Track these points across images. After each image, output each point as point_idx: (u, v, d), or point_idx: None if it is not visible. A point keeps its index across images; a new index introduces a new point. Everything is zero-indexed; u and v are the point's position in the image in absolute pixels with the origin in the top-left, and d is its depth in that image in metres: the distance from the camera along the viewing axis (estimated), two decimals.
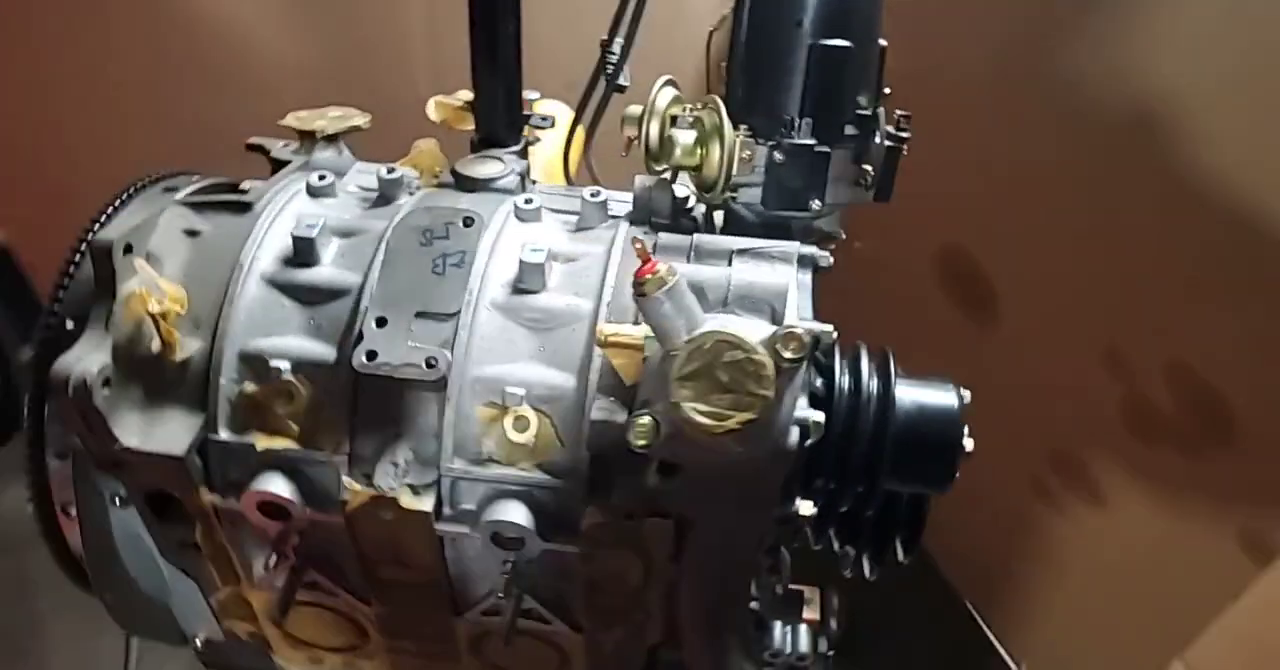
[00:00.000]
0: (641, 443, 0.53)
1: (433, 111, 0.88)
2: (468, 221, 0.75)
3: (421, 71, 1.78)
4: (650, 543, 0.71)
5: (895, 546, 0.79)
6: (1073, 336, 1.51)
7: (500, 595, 0.78)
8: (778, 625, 0.83)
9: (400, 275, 0.72)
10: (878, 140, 0.77)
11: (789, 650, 0.79)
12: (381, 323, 0.70)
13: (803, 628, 0.83)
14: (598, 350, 0.70)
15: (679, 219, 0.80)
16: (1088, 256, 1.45)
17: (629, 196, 0.82)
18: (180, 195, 0.81)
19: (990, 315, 1.66)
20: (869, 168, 0.78)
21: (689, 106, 0.80)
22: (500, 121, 0.86)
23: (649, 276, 0.53)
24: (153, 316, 0.69)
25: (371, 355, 0.69)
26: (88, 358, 0.67)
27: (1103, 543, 1.65)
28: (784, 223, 0.79)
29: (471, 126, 0.88)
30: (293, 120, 0.91)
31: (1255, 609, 1.42)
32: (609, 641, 0.82)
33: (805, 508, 0.67)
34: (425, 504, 0.70)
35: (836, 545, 0.82)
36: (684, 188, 0.83)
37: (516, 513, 0.70)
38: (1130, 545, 1.59)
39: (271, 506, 0.72)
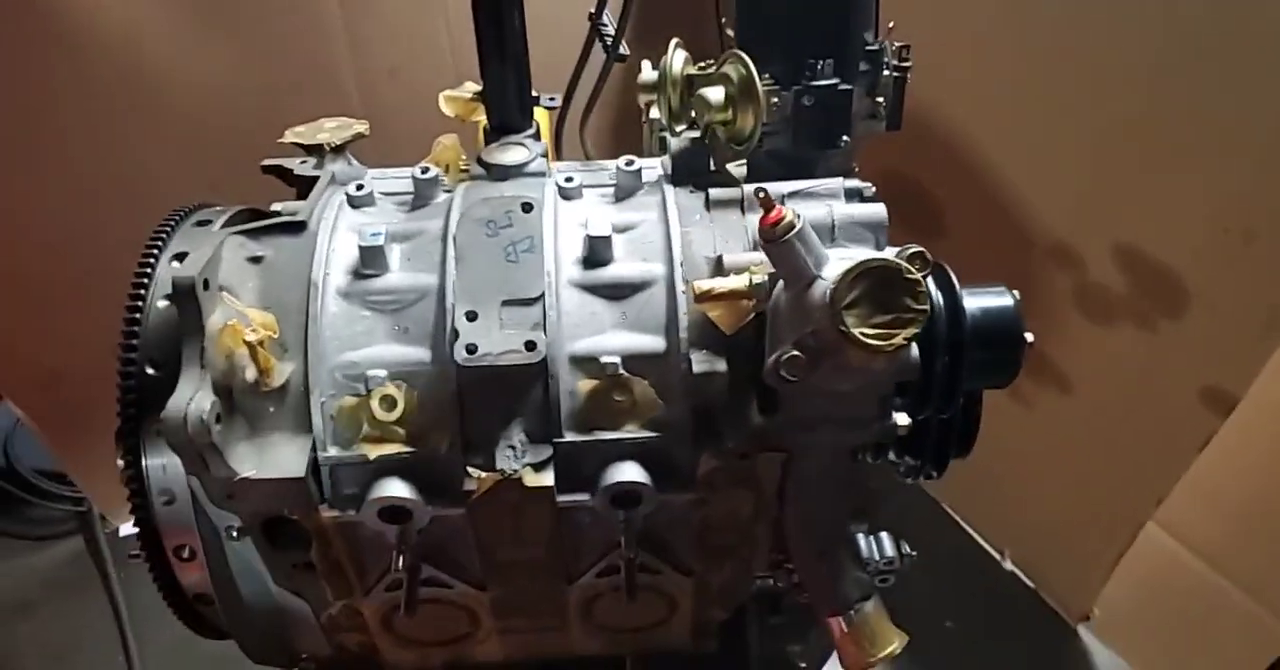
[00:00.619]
0: (795, 376, 0.57)
1: (445, 106, 0.89)
2: (526, 207, 0.77)
3: (350, 83, 1.76)
4: (762, 477, 0.75)
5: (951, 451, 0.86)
6: (1020, 238, 1.60)
7: (616, 555, 0.81)
8: (860, 536, 0.88)
9: (477, 268, 0.74)
10: (885, 73, 0.82)
11: (879, 557, 0.84)
12: (472, 316, 0.72)
13: (883, 535, 0.89)
14: (682, 308, 0.74)
15: (712, 175, 0.83)
16: (1023, 159, 1.55)
17: (652, 162, 0.86)
18: (217, 224, 0.81)
19: (938, 229, 1.75)
20: (881, 100, 0.83)
21: (699, 66, 0.84)
22: (513, 108, 0.88)
23: (779, 222, 0.57)
24: (249, 346, 0.69)
25: (471, 349, 0.71)
26: (197, 396, 0.68)
27: (1074, 427, 1.77)
28: (807, 163, 0.84)
29: (482, 117, 0.90)
30: (293, 136, 0.91)
31: (1218, 458, 1.56)
32: (717, 580, 0.86)
33: (902, 419, 0.73)
34: (547, 480, 0.73)
35: (895, 455, 0.88)
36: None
37: (632, 472, 0.74)
38: (1098, 424, 1.71)
39: (392, 511, 0.74)
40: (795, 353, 0.56)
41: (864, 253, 0.59)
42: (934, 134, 1.65)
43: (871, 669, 0.81)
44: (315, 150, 0.89)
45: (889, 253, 0.58)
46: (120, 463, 0.74)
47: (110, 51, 1.58)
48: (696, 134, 0.83)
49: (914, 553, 0.87)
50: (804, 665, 0.97)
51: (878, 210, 0.67)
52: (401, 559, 0.76)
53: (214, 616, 0.83)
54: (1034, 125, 1.50)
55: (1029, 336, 0.75)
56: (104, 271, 1.78)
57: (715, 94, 0.79)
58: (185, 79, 1.63)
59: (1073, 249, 1.55)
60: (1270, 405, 1.47)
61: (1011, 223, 1.62)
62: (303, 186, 0.85)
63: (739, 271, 0.69)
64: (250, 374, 0.71)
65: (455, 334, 0.71)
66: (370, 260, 0.75)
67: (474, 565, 0.83)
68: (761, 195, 0.59)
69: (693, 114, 0.84)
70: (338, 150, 0.90)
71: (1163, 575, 1.85)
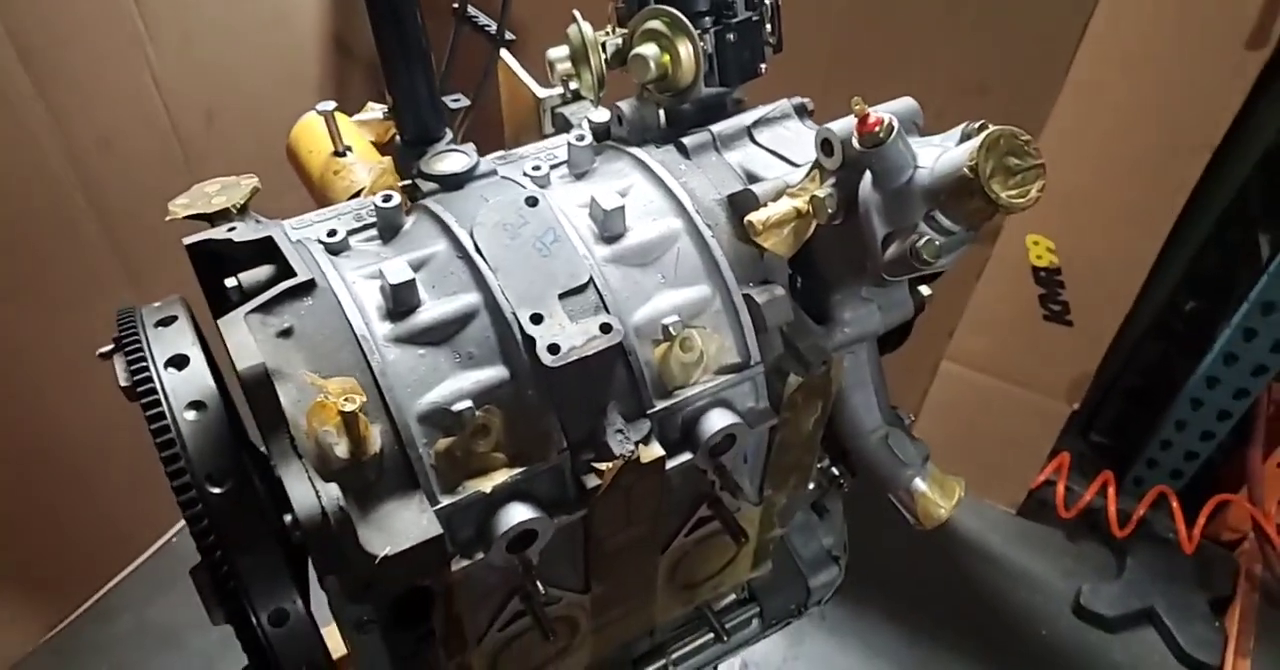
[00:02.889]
0: (933, 258, 0.63)
1: (362, 131, 0.83)
2: (531, 201, 0.75)
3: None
4: (834, 379, 0.80)
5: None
6: None
7: (707, 505, 0.84)
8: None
9: (518, 272, 0.72)
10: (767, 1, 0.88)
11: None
12: (537, 319, 0.70)
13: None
14: (716, 252, 0.76)
15: (660, 130, 0.85)
16: None
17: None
18: (183, 320, 0.71)
19: None
20: (769, 27, 0.89)
21: (605, 31, 0.85)
22: (429, 117, 0.84)
23: (880, 127, 0.62)
24: (346, 417, 0.63)
25: (554, 349, 0.69)
26: (320, 488, 0.61)
27: None
28: (720, 101, 0.88)
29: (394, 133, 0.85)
30: (184, 210, 0.80)
31: (986, 283, 1.82)
32: (782, 496, 0.91)
33: (926, 291, 0.81)
34: (658, 451, 0.73)
35: None
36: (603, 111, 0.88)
37: (724, 417, 0.76)
38: None
39: (521, 537, 0.71)
40: (928, 236, 0.62)
41: (935, 137, 0.65)
42: None
43: (941, 522, 0.90)
44: (220, 217, 0.80)
45: (954, 133, 0.65)
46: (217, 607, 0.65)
47: None
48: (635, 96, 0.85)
49: (913, 417, 0.97)
50: (837, 555, 1.05)
51: (911, 104, 0.73)
52: (538, 584, 0.74)
53: None
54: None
55: None
56: None
57: (651, 50, 0.81)
58: None
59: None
60: (1016, 224, 1.75)
61: None
62: (211, 263, 0.76)
63: (774, 199, 0.73)
64: (342, 450, 0.64)
65: (530, 340, 0.69)
66: (404, 297, 0.70)
67: (577, 569, 0.81)
68: (859, 107, 0.63)
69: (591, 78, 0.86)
70: (243, 211, 0.81)
71: (957, 398, 2.15)
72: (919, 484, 0.88)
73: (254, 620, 0.65)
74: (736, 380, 0.77)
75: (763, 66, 0.86)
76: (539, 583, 0.74)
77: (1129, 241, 1.80)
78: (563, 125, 0.94)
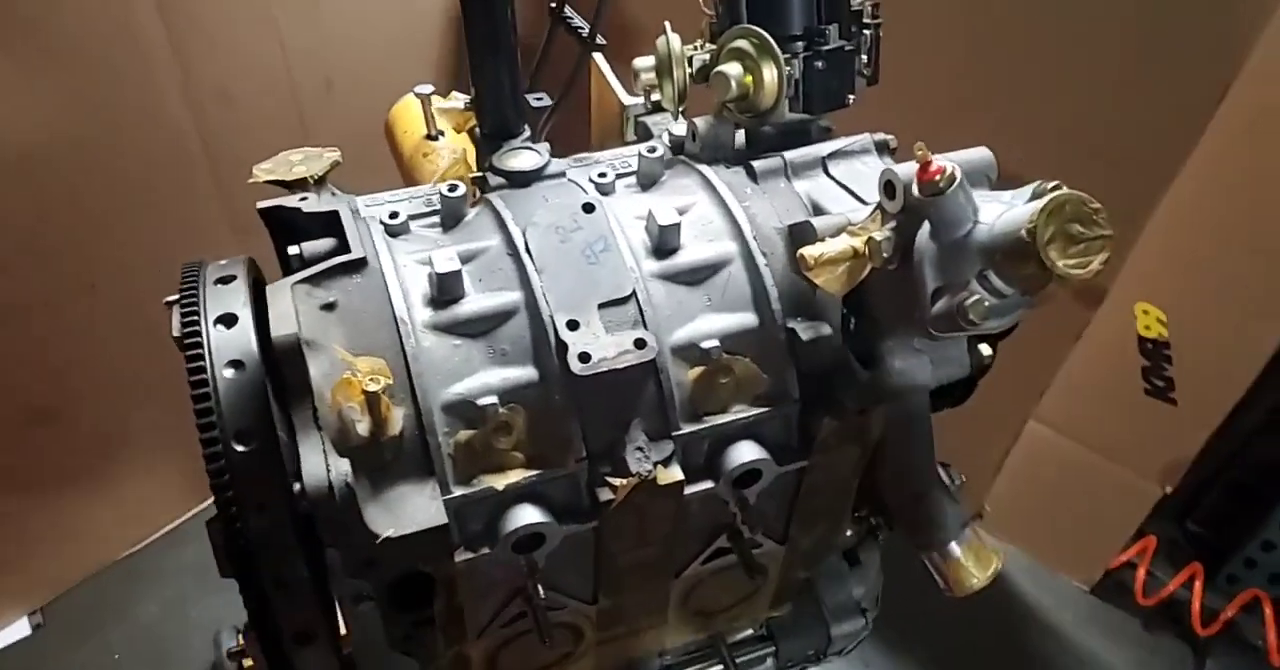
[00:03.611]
0: (980, 318, 0.60)
1: (444, 119, 0.85)
2: (588, 208, 0.75)
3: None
4: (871, 430, 0.78)
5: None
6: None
7: (722, 539, 0.82)
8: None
9: (562, 276, 0.72)
10: (866, 31, 0.86)
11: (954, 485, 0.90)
12: (573, 325, 0.70)
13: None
14: (768, 281, 0.75)
15: (734, 150, 0.85)
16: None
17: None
18: (241, 279, 0.74)
19: None
20: (864, 57, 0.87)
21: (694, 45, 0.85)
22: (509, 111, 0.85)
23: (940, 176, 0.60)
24: (368, 396, 0.64)
25: (585, 357, 0.69)
26: (331, 462, 0.62)
27: None
28: (804, 128, 0.87)
29: (474, 124, 0.87)
30: (266, 175, 0.84)
31: (1086, 346, 1.75)
32: (809, 541, 0.89)
33: (987, 350, 0.78)
34: (677, 474, 0.72)
35: None
36: (683, 125, 0.88)
37: (751, 451, 0.75)
38: None
39: (527, 539, 0.71)
40: (977, 296, 0.59)
41: (1005, 194, 0.62)
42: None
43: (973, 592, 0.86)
44: (298, 185, 0.82)
45: (1025, 191, 0.62)
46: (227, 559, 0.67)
47: None
48: (713, 113, 0.84)
49: (964, 478, 0.93)
50: (866, 608, 1.01)
51: (986, 155, 0.71)
52: (539, 588, 0.73)
53: None
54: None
55: None
56: None
57: (734, 69, 0.80)
58: (8, 140, 1.44)
59: None
60: (1122, 291, 1.67)
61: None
62: (282, 229, 0.78)
63: (834, 235, 0.71)
64: (363, 428, 0.65)
65: (563, 346, 0.69)
66: (450, 287, 0.71)
67: (586, 580, 0.81)
68: (920, 153, 0.61)
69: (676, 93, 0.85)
70: (320, 182, 0.84)
71: (1041, 462, 2.06)
72: (954, 549, 0.84)
73: (258, 580, 0.67)
74: (769, 414, 0.75)
75: (851, 98, 0.84)
76: (540, 587, 0.73)
77: (1248, 322, 1.69)
78: (644, 134, 0.94)
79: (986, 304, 0.60)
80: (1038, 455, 2.04)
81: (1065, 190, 0.57)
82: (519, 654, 0.85)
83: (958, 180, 0.60)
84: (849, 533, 0.97)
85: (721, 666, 0.98)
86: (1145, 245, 1.55)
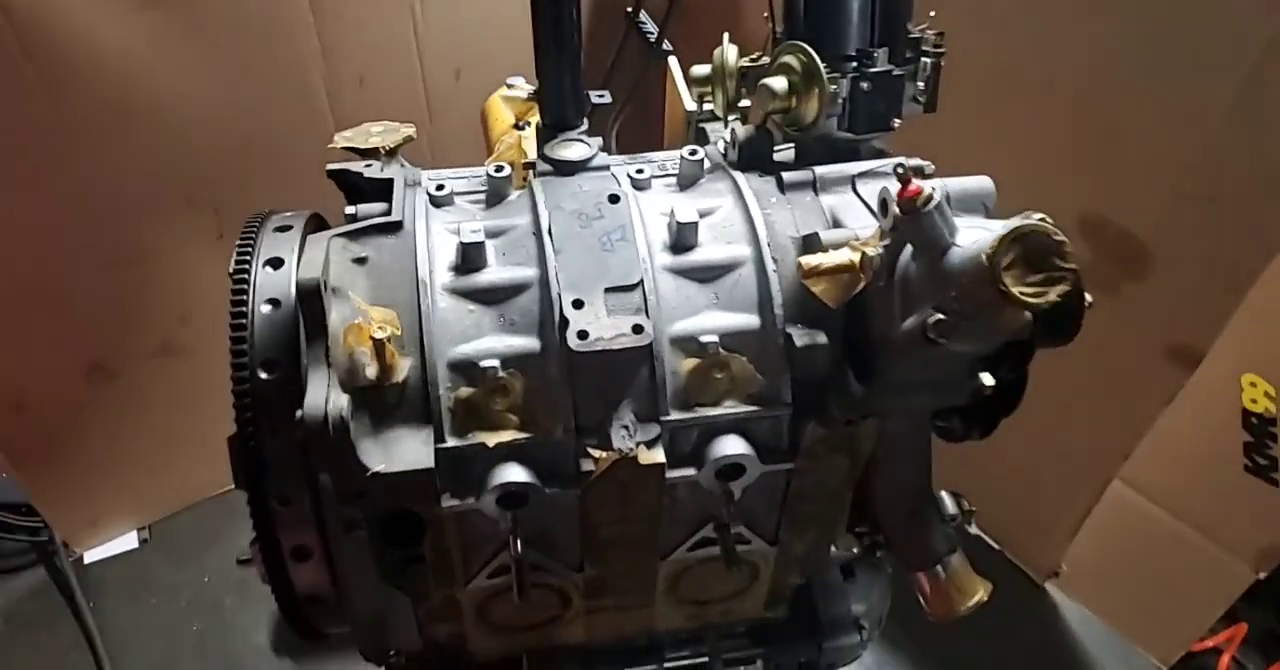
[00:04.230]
0: (943, 338, 0.62)
1: (503, 107, 0.92)
2: (613, 199, 0.80)
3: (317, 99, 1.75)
4: (862, 442, 0.80)
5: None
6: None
7: (708, 528, 0.85)
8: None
9: (576, 259, 0.77)
10: (924, 59, 0.88)
11: (950, 512, 0.90)
12: (578, 304, 0.75)
13: (943, 493, 0.95)
14: (774, 286, 0.78)
15: (772, 161, 0.88)
16: (987, 141, 1.63)
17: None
18: (297, 229, 0.82)
19: None
20: (921, 84, 0.88)
21: (749, 58, 0.89)
22: (568, 105, 0.91)
23: (919, 196, 0.62)
24: (375, 343, 0.71)
25: (583, 335, 0.74)
26: (332, 395, 0.69)
27: (1042, 390, 1.87)
28: (853, 146, 0.89)
29: (536, 116, 0.93)
30: (344, 141, 0.92)
31: (1183, 411, 1.67)
32: (801, 546, 0.91)
33: (988, 380, 0.78)
34: (659, 456, 0.76)
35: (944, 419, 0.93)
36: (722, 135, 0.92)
37: (737, 445, 0.78)
38: (1066, 386, 1.80)
39: (511, 496, 0.76)
40: (942, 316, 0.61)
41: (995, 222, 0.64)
42: None
43: (954, 617, 0.86)
44: (370, 154, 0.90)
45: (1014, 220, 0.63)
46: (237, 467, 0.75)
47: (86, 76, 1.55)
48: (754, 123, 0.87)
49: (974, 508, 0.93)
50: (864, 624, 1.02)
51: (986, 183, 0.72)
52: (518, 544, 0.78)
53: (318, 618, 0.84)
54: (994, 106, 1.59)
55: (1088, 297, 0.82)
56: (71, 299, 1.75)
57: (779, 83, 0.84)
58: (161, 98, 1.61)
59: None
60: (1227, 358, 1.59)
61: None
62: (353, 192, 0.86)
63: (837, 247, 0.74)
64: (371, 371, 0.72)
65: (565, 322, 0.74)
66: (472, 256, 0.77)
67: (572, 547, 0.85)
68: (900, 171, 0.64)
69: (743, 103, 0.89)
70: (391, 153, 0.91)
71: (1125, 526, 1.98)
72: (940, 571, 0.85)
73: (265, 495, 0.75)
74: (760, 414, 0.78)
75: (896, 122, 0.86)
76: (519, 542, 0.78)
77: None
78: (702, 140, 0.98)
79: (950, 324, 0.61)
80: (1124, 520, 1.96)
81: (1033, 220, 0.58)
82: (509, 608, 0.91)
83: (934, 201, 0.62)
84: (854, 549, 0.98)
85: (708, 658, 1.01)
86: (1255, 310, 1.48)
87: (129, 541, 2.20)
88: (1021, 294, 0.57)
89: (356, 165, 0.87)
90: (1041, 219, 0.61)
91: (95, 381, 1.89)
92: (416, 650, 0.93)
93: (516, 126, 1.11)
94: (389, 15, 1.72)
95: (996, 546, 2.25)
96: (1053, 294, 0.58)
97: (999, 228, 0.60)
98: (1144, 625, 2.07)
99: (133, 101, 1.58)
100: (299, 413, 0.70)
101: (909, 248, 0.67)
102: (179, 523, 2.25)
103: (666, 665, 1.01)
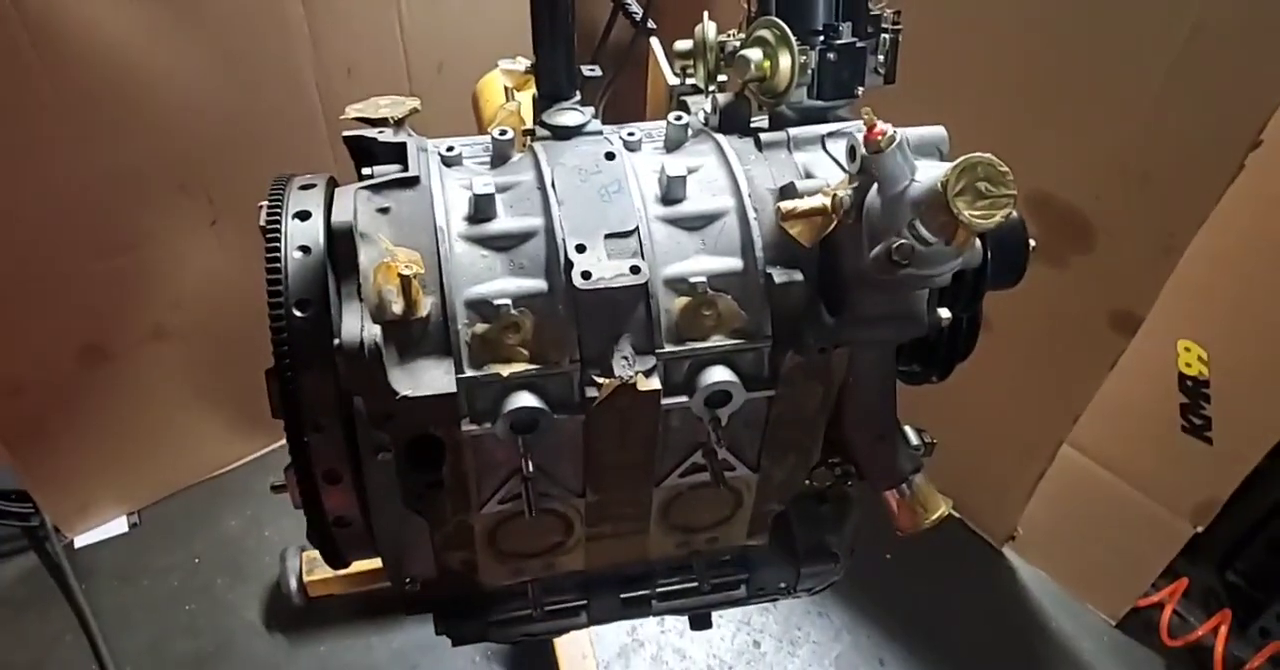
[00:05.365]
0: (905, 261, 0.72)
1: (502, 78, 1.01)
2: (609, 156, 0.90)
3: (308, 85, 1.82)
4: (834, 371, 0.90)
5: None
6: None
7: (698, 455, 0.95)
8: None
9: (578, 209, 0.86)
10: (884, 34, 0.98)
11: (914, 442, 1.01)
12: (581, 249, 0.84)
13: (905, 426, 1.05)
14: (755, 233, 0.88)
15: (750, 125, 0.98)
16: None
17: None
18: (320, 188, 0.90)
19: None
20: (880, 57, 0.99)
21: (729, 34, 0.99)
22: (562, 78, 1.00)
23: (882, 137, 0.72)
24: (403, 280, 0.79)
25: (586, 275, 0.83)
26: (366, 326, 0.78)
27: (993, 360, 1.98)
28: (821, 113, 0.99)
29: (531, 88, 1.02)
30: (355, 112, 1.00)
31: (1125, 375, 1.80)
32: (780, 472, 1.01)
33: (944, 313, 0.89)
34: (655, 384, 0.86)
35: (904, 361, 1.04)
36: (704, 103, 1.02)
37: (723, 374, 0.87)
38: (1016, 355, 1.93)
39: (523, 421, 0.85)
40: (904, 241, 0.71)
41: (948, 163, 0.74)
42: None
43: (920, 529, 0.97)
44: (380, 123, 0.99)
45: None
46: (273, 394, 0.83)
47: (86, 65, 1.61)
48: (733, 92, 0.97)
49: (935, 440, 1.03)
50: (837, 552, 1.12)
51: (940, 131, 0.82)
52: (529, 464, 0.87)
53: (344, 542, 0.92)
54: (942, 91, 1.70)
55: (1032, 242, 0.92)
56: (65, 283, 1.81)
57: (755, 55, 0.94)
58: (157, 86, 1.68)
59: None
60: (1163, 325, 1.72)
61: None
62: (362, 156, 0.95)
63: (811, 195, 0.84)
64: (398, 307, 0.81)
65: (569, 264, 0.83)
66: (483, 207, 0.86)
67: (575, 475, 0.94)
68: (867, 116, 0.74)
69: (721, 77, 0.99)
70: (399, 123, 1.00)
71: (1073, 488, 2.10)
72: (906, 489, 0.96)
73: (300, 422, 0.83)
74: (744, 347, 0.88)
75: (859, 90, 0.96)
76: (530, 463, 0.87)
77: None
78: (683, 110, 1.07)
79: (914, 249, 0.71)
80: (1072, 482, 2.08)
81: (980, 153, 0.68)
82: (516, 534, 1.00)
83: (896, 141, 0.72)
84: (828, 483, 1.08)
85: (697, 584, 1.10)
86: (1188, 281, 1.61)
87: (119, 526, 2.25)
88: (971, 217, 0.67)
89: (369, 131, 0.96)
90: (983, 154, 0.71)
91: (87, 366, 1.95)
92: (431, 577, 1.02)
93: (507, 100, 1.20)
94: (375, 8, 1.80)
95: (956, 514, 2.37)
96: (998, 216, 0.68)
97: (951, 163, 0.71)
98: (1092, 583, 2.20)
99: (129, 89, 1.64)
100: (336, 340, 0.78)
101: (874, 188, 0.77)
102: (169, 507, 2.30)
103: (658, 589, 1.10)
